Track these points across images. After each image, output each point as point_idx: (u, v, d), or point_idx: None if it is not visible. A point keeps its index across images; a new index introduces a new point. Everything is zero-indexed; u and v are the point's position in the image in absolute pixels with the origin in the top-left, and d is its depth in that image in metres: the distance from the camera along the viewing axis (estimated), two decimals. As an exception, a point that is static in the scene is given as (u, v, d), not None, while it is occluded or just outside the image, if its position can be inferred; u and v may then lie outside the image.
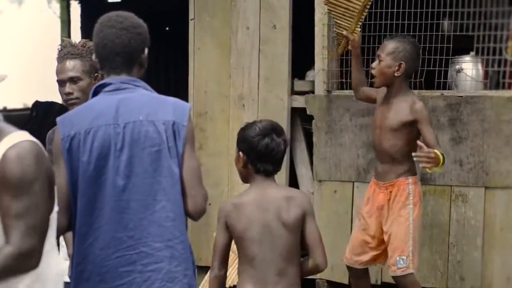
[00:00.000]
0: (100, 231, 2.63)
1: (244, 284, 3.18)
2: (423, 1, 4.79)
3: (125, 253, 2.63)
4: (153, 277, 2.64)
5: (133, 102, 2.69)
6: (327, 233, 4.70)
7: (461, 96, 4.73)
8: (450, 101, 4.73)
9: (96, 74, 3.51)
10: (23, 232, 2.28)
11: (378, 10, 4.82)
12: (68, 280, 2.79)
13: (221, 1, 5.38)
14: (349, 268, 4.35)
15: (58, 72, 3.59)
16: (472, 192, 4.70)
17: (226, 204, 3.25)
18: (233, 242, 3.23)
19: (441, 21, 4.98)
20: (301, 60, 5.39)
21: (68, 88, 3.53)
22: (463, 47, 4.94)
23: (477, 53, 4.82)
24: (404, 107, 4.05)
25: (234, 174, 3.35)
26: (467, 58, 4.91)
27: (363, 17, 4.35)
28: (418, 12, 4.78)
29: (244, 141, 3.19)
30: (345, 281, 4.98)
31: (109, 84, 2.73)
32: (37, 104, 8.55)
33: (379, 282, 4.85)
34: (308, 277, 3.73)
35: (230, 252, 3.28)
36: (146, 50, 2.77)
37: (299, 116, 5.29)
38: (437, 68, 4.74)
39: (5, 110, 10.62)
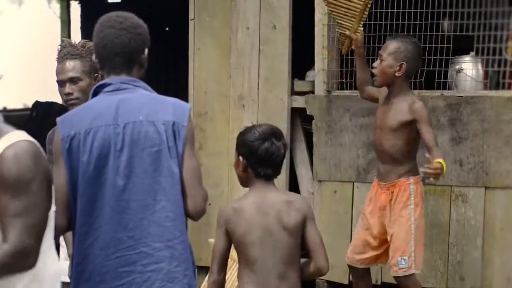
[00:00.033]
0: (100, 231, 2.64)
1: None
2: (423, 1, 4.79)
3: (125, 253, 2.63)
4: (153, 277, 2.64)
5: (133, 102, 2.69)
6: (327, 233, 4.70)
7: (461, 96, 4.73)
8: (450, 101, 4.73)
9: (96, 75, 3.51)
10: (21, 231, 2.28)
11: (378, 10, 4.82)
12: (68, 280, 2.79)
13: (221, 1, 5.38)
14: (350, 267, 4.35)
15: (58, 73, 3.59)
16: (472, 192, 4.70)
17: (226, 208, 3.24)
18: (231, 247, 3.23)
19: (441, 21, 4.98)
20: (301, 60, 5.39)
21: (68, 88, 3.53)
22: (463, 47, 4.93)
23: (477, 53, 4.82)
24: (403, 106, 4.05)
25: (234, 174, 3.34)
26: (467, 58, 4.91)
27: (365, 16, 4.35)
28: (418, 12, 4.78)
29: (244, 145, 3.19)
30: (345, 281, 4.98)
31: (109, 84, 2.73)
32: (37, 104, 8.55)
33: (379, 282, 4.85)
34: (308, 277, 3.72)
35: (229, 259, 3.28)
36: (146, 51, 2.77)
37: (299, 116, 5.29)
38: (437, 68, 4.74)
39: (5, 110, 10.62)
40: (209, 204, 3.36)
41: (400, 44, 4.07)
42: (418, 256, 4.06)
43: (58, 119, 2.72)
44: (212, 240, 4.36)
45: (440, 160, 3.72)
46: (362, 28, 4.34)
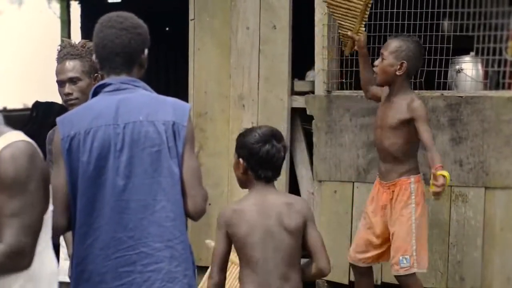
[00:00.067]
0: (100, 231, 2.63)
1: None
2: (423, 2, 4.79)
3: (125, 253, 2.63)
4: (153, 277, 2.64)
5: (133, 102, 2.69)
6: (327, 233, 4.70)
7: (461, 97, 4.73)
8: (450, 101, 4.73)
9: (96, 75, 3.51)
10: (17, 231, 2.29)
11: (378, 11, 4.83)
12: (68, 280, 2.79)
13: (221, 1, 5.38)
14: (352, 266, 4.35)
15: (57, 73, 3.59)
16: (472, 192, 4.70)
17: (226, 210, 3.23)
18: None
19: (441, 22, 4.98)
20: (301, 60, 5.39)
21: (67, 88, 3.53)
22: (463, 47, 4.93)
23: (477, 53, 4.82)
24: (403, 105, 4.06)
25: (234, 175, 3.34)
26: (467, 58, 4.91)
27: (366, 16, 4.35)
28: (418, 13, 4.78)
29: (244, 147, 3.18)
30: (345, 281, 4.98)
31: (109, 84, 2.73)
32: (37, 104, 8.54)
33: (379, 282, 4.85)
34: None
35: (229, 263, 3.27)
36: (146, 51, 2.77)
37: (299, 116, 5.29)
38: (437, 68, 4.74)
39: (5, 110, 10.62)
40: (209, 204, 3.36)
41: (401, 43, 4.07)
42: (422, 255, 4.04)
43: (58, 119, 2.72)
44: (208, 242, 4.38)
45: (444, 173, 3.74)
46: (364, 29, 4.33)
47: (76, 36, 9.90)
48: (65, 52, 3.58)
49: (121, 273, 2.63)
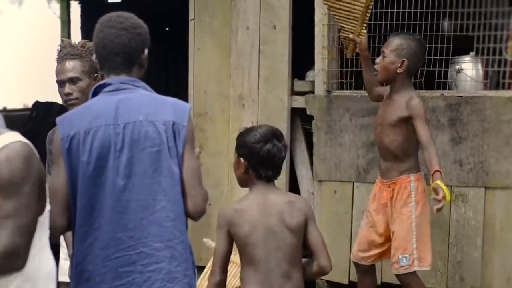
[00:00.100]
0: (100, 231, 2.63)
1: None
2: (423, 2, 4.79)
3: (125, 253, 2.63)
4: (153, 277, 2.64)
5: (133, 102, 2.69)
6: (327, 233, 4.69)
7: (461, 96, 4.73)
8: (450, 101, 4.73)
9: (95, 75, 3.51)
10: (11, 232, 2.29)
11: (378, 11, 4.82)
12: (68, 280, 2.79)
13: (221, 1, 5.38)
14: (355, 264, 4.36)
15: (57, 73, 3.59)
16: (472, 192, 4.70)
17: (227, 209, 3.23)
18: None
19: (441, 22, 4.98)
20: (301, 60, 5.39)
21: (67, 88, 3.53)
22: (463, 47, 4.93)
23: (477, 53, 4.82)
24: (402, 103, 4.06)
25: (234, 174, 3.34)
26: (467, 58, 4.91)
27: (367, 18, 4.35)
28: (418, 13, 4.78)
29: (244, 147, 3.18)
30: (345, 281, 4.98)
31: (109, 84, 2.73)
32: (37, 104, 8.53)
33: (379, 282, 4.85)
34: (308, 278, 3.73)
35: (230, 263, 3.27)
36: (146, 51, 2.77)
37: (299, 116, 5.29)
38: (437, 68, 4.74)
39: (5, 110, 10.62)
40: (209, 204, 3.36)
41: (402, 41, 4.08)
42: (423, 253, 4.03)
43: (57, 119, 2.72)
44: (206, 240, 4.38)
45: (441, 185, 3.70)
46: (365, 31, 4.33)
47: (76, 36, 9.90)
48: (65, 52, 3.58)
49: (121, 273, 2.63)
